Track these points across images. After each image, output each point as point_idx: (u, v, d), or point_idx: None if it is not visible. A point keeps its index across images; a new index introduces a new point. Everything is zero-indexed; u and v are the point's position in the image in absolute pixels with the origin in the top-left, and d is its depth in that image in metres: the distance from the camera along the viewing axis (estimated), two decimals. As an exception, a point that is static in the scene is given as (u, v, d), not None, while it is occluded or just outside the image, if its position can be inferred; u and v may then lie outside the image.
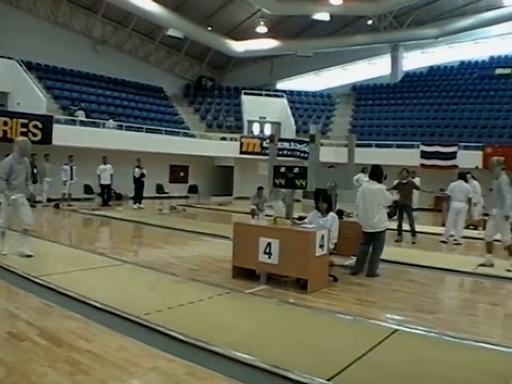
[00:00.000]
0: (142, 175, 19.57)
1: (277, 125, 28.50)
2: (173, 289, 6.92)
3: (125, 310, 5.55)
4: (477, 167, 20.67)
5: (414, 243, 12.17)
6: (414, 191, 13.53)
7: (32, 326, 5.06)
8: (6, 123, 17.86)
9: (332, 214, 7.91)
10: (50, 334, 4.89)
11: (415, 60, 32.98)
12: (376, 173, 8.56)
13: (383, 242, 8.46)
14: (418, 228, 12.51)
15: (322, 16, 27.65)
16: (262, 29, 29.26)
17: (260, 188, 13.88)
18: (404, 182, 12.66)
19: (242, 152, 26.39)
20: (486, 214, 15.08)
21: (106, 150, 19.92)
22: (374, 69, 33.47)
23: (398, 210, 12.60)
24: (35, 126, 18.58)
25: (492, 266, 9.01)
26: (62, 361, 4.24)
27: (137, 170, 19.53)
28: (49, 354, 4.39)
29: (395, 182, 13.59)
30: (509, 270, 8.66)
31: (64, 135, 19.21)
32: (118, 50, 29.16)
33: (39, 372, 4.00)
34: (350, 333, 5.34)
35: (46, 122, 18.99)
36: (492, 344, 4.80)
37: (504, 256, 9.17)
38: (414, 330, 5.31)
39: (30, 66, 22.91)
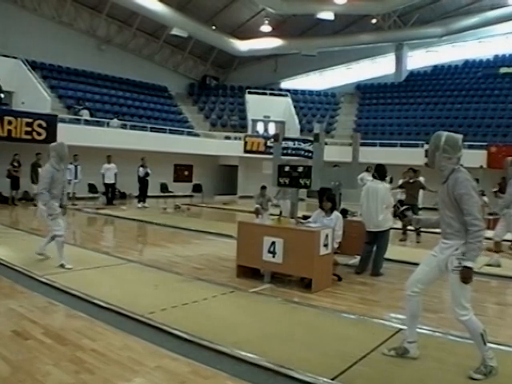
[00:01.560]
0: (147, 174, 19.58)
1: (281, 124, 28.50)
2: (177, 288, 6.92)
3: (129, 309, 5.57)
4: (481, 166, 20.62)
5: (418, 242, 12.16)
6: (420, 190, 13.51)
7: (37, 325, 5.08)
8: (10, 122, 17.90)
9: (336, 213, 7.90)
10: (55, 332, 4.91)
11: (419, 59, 32.90)
12: (380, 172, 8.55)
13: (387, 241, 8.46)
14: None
15: (327, 15, 27.57)
16: (266, 28, 29.21)
17: (263, 187, 13.85)
18: (411, 181, 12.65)
19: (246, 151, 26.39)
20: (490, 214, 15.08)
21: (111, 149, 19.98)
22: (378, 68, 33.42)
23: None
24: (40, 126, 18.62)
25: (499, 266, 8.97)
26: (67, 359, 4.25)
27: (141, 169, 19.54)
28: (53, 352, 4.40)
29: (400, 182, 13.57)
30: None
31: (68, 134, 19.13)
32: (123, 49, 29.19)
33: (44, 370, 4.01)
34: (354, 332, 5.32)
35: (51, 122, 19.03)
36: (497, 344, 4.78)
37: (509, 256, 9.15)
38: (418, 330, 5.29)
39: (34, 66, 22.95)
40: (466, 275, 4.07)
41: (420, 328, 4.99)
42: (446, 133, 4.33)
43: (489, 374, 4.12)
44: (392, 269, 8.61)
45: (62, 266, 7.67)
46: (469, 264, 4.04)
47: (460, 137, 4.35)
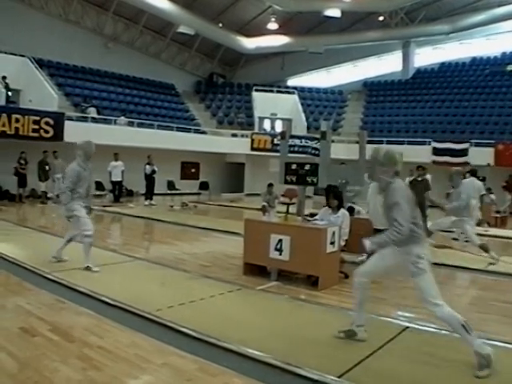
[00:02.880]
0: (153, 172, 19.63)
1: (288, 121, 28.31)
2: (184, 285, 6.93)
3: (136, 307, 5.58)
4: (489, 164, 20.56)
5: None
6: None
7: (44, 322, 5.09)
8: (18, 120, 17.99)
9: (343, 211, 7.89)
10: (62, 329, 4.92)
11: (426, 56, 32.74)
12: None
13: (394, 239, 8.42)
14: (429, 225, 12.43)
15: (334, 12, 27.54)
16: (273, 25, 29.23)
17: (270, 185, 13.81)
18: (419, 179, 12.66)
19: (253, 149, 26.41)
20: (498, 212, 15.06)
21: (118, 147, 20.01)
22: (385, 65, 33.31)
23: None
24: (47, 123, 18.71)
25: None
26: (74, 356, 4.26)
27: (148, 166, 19.59)
28: (61, 349, 4.42)
29: (407, 180, 13.57)
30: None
31: (75, 132, 19.17)
32: (130, 47, 29.27)
33: (51, 367, 4.02)
34: (360, 330, 5.31)
35: (58, 119, 19.10)
36: (504, 342, 4.76)
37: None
38: (424, 328, 5.29)
39: (41, 64, 23.06)
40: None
41: (426, 326, 4.99)
42: (384, 148, 4.60)
43: (490, 363, 4.08)
44: (399, 267, 8.57)
45: (87, 268, 7.31)
46: (367, 243, 4.57)
47: (398, 152, 4.56)
